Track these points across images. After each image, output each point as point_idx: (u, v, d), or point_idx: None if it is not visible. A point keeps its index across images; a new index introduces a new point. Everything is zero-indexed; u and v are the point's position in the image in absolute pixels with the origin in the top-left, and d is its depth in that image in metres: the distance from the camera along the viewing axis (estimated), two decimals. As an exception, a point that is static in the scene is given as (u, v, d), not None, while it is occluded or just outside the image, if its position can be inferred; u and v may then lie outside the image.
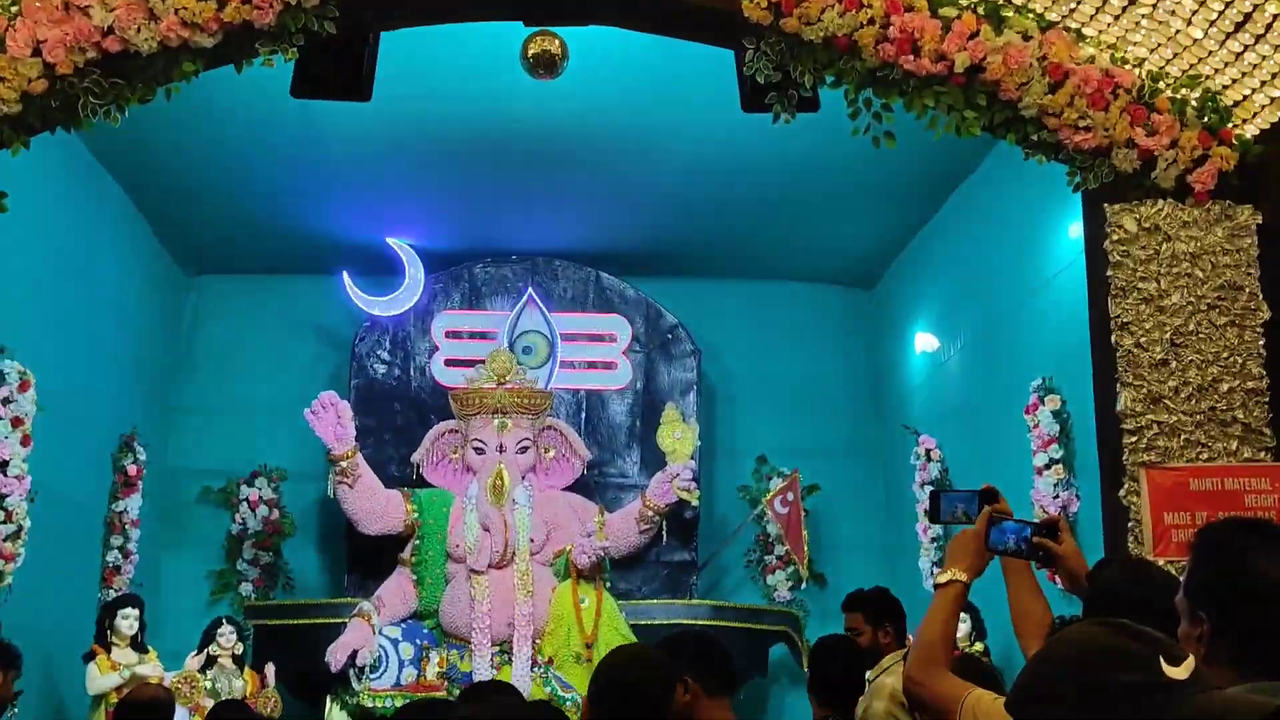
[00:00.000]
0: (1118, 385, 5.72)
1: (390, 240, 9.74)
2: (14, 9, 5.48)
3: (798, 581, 9.75)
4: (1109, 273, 5.83)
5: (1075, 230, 6.75)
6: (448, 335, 9.90)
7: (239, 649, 8.34)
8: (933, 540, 8.98)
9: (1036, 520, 2.91)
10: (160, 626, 8.67)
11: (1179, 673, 1.60)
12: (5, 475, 6.63)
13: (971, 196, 8.72)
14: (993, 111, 5.81)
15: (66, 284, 7.90)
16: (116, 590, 8.33)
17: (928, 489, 9.02)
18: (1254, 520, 2.10)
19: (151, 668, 7.68)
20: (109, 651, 7.61)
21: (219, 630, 8.30)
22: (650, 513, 9.11)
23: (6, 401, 6.73)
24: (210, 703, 7.71)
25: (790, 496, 9.52)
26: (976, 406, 8.58)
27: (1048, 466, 7.18)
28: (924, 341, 9.65)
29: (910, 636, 4.80)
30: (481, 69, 7.27)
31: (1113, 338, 5.78)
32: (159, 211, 9.28)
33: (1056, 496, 7.07)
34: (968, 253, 8.80)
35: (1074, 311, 6.59)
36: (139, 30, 5.44)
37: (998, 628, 7.35)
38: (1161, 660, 1.61)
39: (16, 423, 6.75)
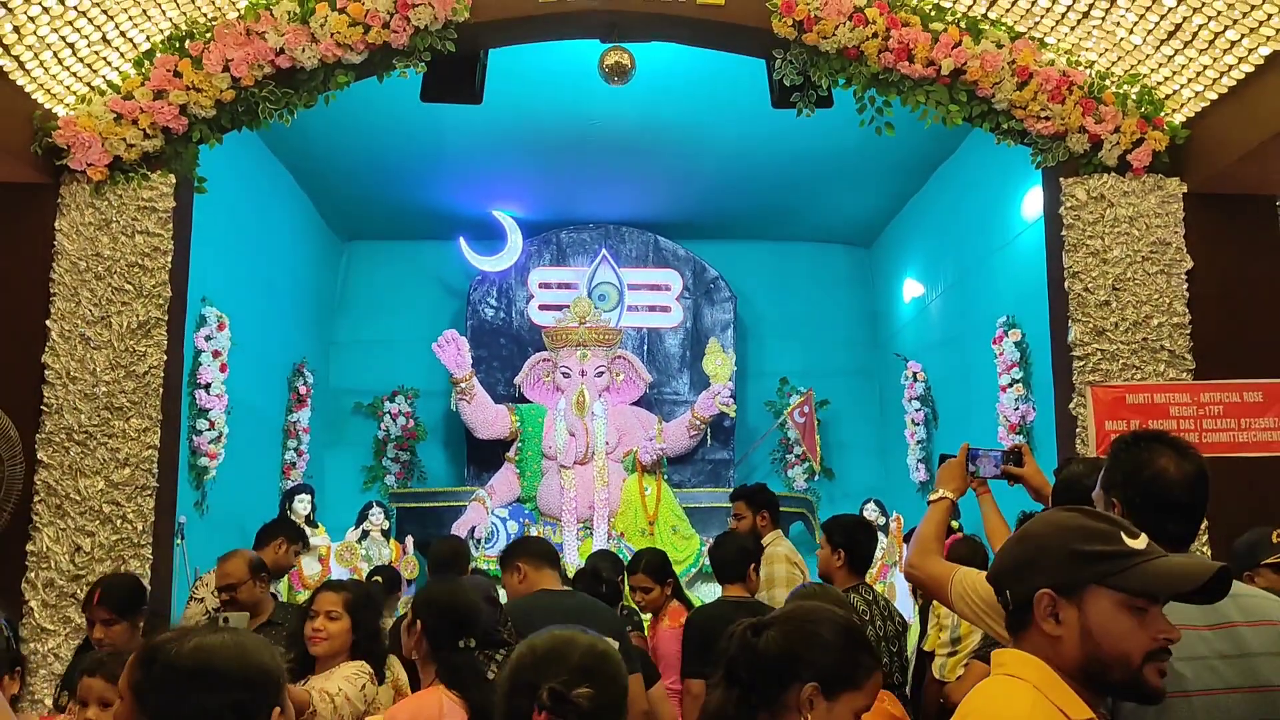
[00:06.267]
0: (1069, 321, 5.63)
1: (496, 212, 9.70)
2: (208, 35, 5.49)
3: (811, 474, 9.73)
4: (1063, 232, 5.71)
5: (1033, 199, 6.61)
6: (541, 286, 9.88)
7: (386, 525, 8.46)
8: (918, 442, 8.90)
9: (1005, 449, 2.79)
10: (326, 509, 8.81)
11: (1138, 544, 1.56)
12: (209, 394, 6.74)
13: (952, 172, 8.54)
14: (971, 105, 5.68)
15: (250, 248, 7.91)
16: (293, 481, 8.48)
17: (914, 403, 8.95)
18: (1155, 431, 2.04)
19: (322, 539, 7.82)
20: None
21: (370, 511, 8.43)
22: (698, 422, 9.11)
23: (209, 338, 6.82)
24: (366, 566, 7.88)
25: (806, 409, 9.49)
26: (954, 338, 8.47)
27: (1010, 385, 7.08)
28: (912, 288, 9.51)
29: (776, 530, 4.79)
30: (568, 77, 7.18)
31: (1065, 283, 5.68)
32: (319, 191, 9.28)
33: (1017, 409, 6.98)
34: (948, 217, 8.63)
35: (1032, 262, 6.46)
36: (304, 50, 5.43)
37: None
38: (1123, 534, 1.57)
39: (216, 354, 6.85)
